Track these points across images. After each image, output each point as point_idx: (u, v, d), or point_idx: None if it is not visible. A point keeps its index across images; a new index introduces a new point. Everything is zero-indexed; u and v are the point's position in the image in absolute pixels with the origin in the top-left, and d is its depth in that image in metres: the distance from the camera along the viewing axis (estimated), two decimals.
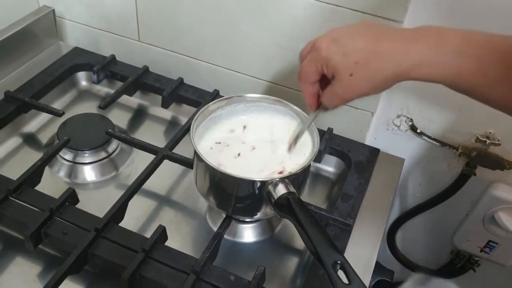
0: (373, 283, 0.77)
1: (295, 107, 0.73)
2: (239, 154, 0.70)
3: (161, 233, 0.67)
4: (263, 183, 0.63)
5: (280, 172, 0.67)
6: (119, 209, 0.70)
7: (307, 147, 0.71)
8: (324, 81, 0.58)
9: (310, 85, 0.60)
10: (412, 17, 0.77)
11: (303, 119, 0.72)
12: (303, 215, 0.58)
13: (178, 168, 0.83)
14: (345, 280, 0.52)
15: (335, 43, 0.54)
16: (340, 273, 0.53)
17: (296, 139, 0.70)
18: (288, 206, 0.60)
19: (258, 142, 0.72)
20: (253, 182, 0.64)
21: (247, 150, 0.71)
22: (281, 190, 0.62)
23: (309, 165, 0.67)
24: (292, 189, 0.62)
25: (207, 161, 0.64)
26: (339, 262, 0.53)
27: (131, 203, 0.74)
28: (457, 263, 1.03)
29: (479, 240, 0.94)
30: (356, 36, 0.54)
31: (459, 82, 0.51)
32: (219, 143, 0.72)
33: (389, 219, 1.06)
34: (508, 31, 0.72)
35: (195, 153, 0.66)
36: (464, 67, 0.50)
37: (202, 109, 0.72)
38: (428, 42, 0.51)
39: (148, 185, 0.78)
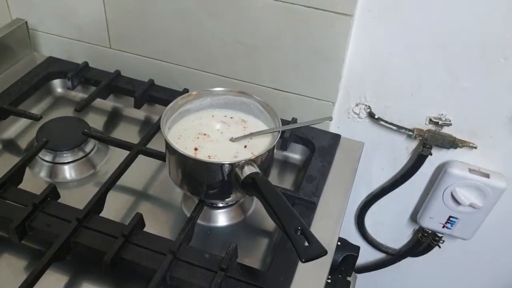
0: (340, 258, 0.83)
1: (258, 98, 0.79)
2: (208, 143, 0.76)
3: (139, 220, 0.72)
4: (231, 165, 0.68)
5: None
6: (99, 200, 0.75)
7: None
8: None
9: None
10: (361, 11, 0.84)
11: (265, 121, 0.79)
12: (266, 189, 0.64)
13: (153, 164, 0.88)
14: (305, 243, 0.58)
15: None
16: (301, 238, 0.58)
17: (249, 135, 0.76)
18: (253, 184, 0.66)
19: (225, 132, 0.78)
20: (221, 165, 0.69)
21: (215, 139, 0.77)
22: (247, 171, 0.67)
23: (273, 148, 0.73)
24: (257, 170, 0.68)
25: (177, 149, 0.69)
26: (299, 228, 0.59)
27: (110, 198, 0.78)
28: (424, 242, 1.09)
29: (441, 216, 1.01)
30: None
31: None
32: (188, 133, 0.77)
33: (356, 205, 1.12)
34: (448, 19, 0.80)
35: (166, 143, 0.72)
36: None
37: (171, 103, 0.77)
38: None
39: (126, 181, 0.83)
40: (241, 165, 0.68)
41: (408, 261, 1.16)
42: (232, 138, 0.77)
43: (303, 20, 0.86)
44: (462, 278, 1.16)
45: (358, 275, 1.20)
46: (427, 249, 1.11)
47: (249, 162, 0.69)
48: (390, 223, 1.13)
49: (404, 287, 1.26)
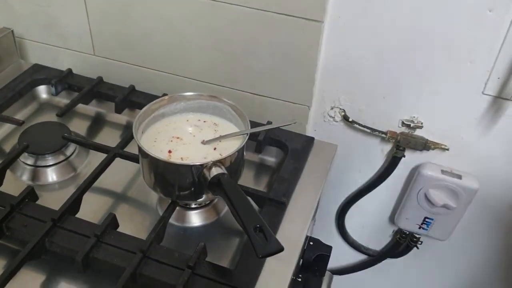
0: (313, 257, 0.85)
1: (229, 101, 0.81)
2: (181, 146, 0.78)
3: (112, 220, 0.75)
4: (200, 166, 0.71)
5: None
6: (74, 202, 0.77)
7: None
8: None
9: None
10: (331, 17, 0.86)
11: (236, 124, 0.81)
12: (230, 189, 0.67)
13: (132, 167, 0.90)
14: (263, 240, 0.60)
15: None
16: (260, 235, 0.61)
17: (219, 138, 0.78)
18: (218, 184, 0.68)
19: (197, 135, 0.80)
20: (190, 166, 0.71)
21: (187, 142, 0.79)
22: (214, 171, 0.70)
23: (242, 149, 0.75)
24: (223, 171, 0.70)
25: (148, 152, 0.72)
26: (258, 225, 0.61)
27: (89, 200, 0.81)
28: (402, 243, 1.11)
29: (416, 217, 1.02)
30: None
31: None
32: (162, 137, 0.79)
33: (337, 207, 1.14)
34: (415, 24, 0.82)
35: (139, 147, 0.74)
36: None
37: (144, 108, 0.80)
38: None
39: (105, 183, 0.86)
40: (209, 166, 0.71)
41: (389, 262, 1.18)
42: (203, 140, 0.79)
43: (276, 26, 0.89)
44: (441, 279, 1.18)
45: (339, 276, 1.22)
46: (406, 250, 1.12)
47: (217, 163, 0.71)
48: (370, 225, 1.15)
49: None
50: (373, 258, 1.19)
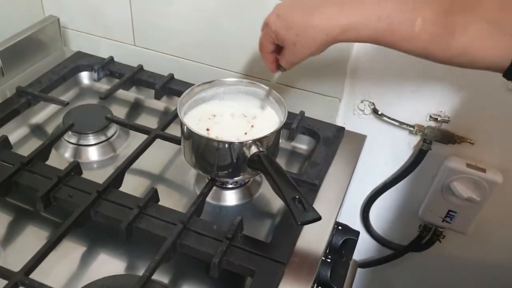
0: (341, 241, 0.88)
1: (266, 87, 0.85)
2: (220, 126, 0.82)
3: (153, 194, 0.79)
4: (240, 144, 0.75)
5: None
6: (117, 176, 0.82)
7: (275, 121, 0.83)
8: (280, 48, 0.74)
9: (269, 54, 0.74)
10: None
11: (273, 109, 0.86)
12: (269, 165, 0.70)
13: (170, 150, 0.95)
14: (302, 210, 0.64)
15: (280, 19, 0.69)
16: (299, 206, 0.64)
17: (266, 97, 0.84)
18: (258, 161, 0.72)
19: (236, 117, 0.85)
20: (230, 143, 0.75)
21: (227, 124, 0.83)
22: (253, 149, 0.74)
23: (279, 130, 0.79)
24: (262, 149, 0.74)
25: (191, 129, 0.76)
26: (297, 197, 0.65)
27: (129, 180, 0.85)
28: (425, 236, 1.14)
29: (440, 210, 1.05)
30: (295, 12, 0.68)
31: (381, 39, 0.63)
32: (202, 118, 0.84)
33: (362, 200, 1.17)
34: None
35: (181, 124, 0.78)
36: (379, 27, 0.62)
37: (187, 90, 0.84)
38: (350, 11, 0.64)
39: (144, 165, 0.90)
40: (248, 145, 0.75)
41: (412, 256, 1.20)
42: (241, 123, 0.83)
43: None
44: (463, 273, 1.20)
45: (363, 269, 1.25)
46: (429, 244, 1.15)
47: (256, 142, 0.75)
48: (394, 218, 1.18)
49: (408, 282, 1.29)
50: (396, 252, 1.21)
